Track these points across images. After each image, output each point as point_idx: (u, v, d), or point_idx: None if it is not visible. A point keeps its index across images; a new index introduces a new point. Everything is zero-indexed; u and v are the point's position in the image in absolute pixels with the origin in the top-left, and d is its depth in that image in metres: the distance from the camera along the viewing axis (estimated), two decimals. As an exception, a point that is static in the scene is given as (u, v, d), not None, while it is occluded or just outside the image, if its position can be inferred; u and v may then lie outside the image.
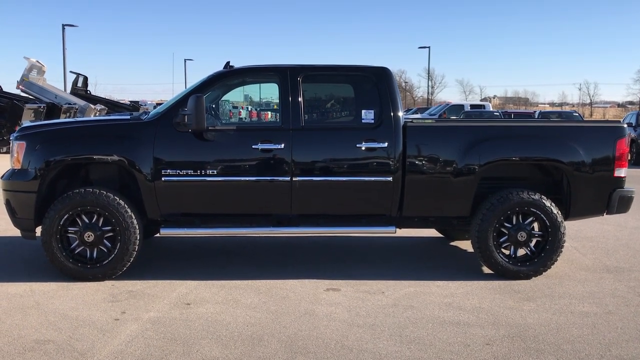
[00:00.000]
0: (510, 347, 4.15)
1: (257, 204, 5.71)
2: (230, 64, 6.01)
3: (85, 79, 26.97)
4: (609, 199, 5.78)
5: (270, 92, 6.77)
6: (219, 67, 6.02)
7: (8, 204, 5.67)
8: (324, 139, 5.71)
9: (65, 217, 5.46)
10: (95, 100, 25.79)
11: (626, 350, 4.12)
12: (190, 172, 5.54)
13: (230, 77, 6.01)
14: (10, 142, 5.87)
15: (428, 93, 63.11)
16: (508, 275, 5.69)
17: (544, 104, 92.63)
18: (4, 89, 20.86)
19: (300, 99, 5.68)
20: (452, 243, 7.34)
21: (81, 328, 4.40)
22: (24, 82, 22.45)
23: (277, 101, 5.82)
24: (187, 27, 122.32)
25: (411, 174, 5.66)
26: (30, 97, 21.82)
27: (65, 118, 19.23)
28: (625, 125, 5.98)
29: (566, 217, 5.85)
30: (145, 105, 39.15)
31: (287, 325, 4.50)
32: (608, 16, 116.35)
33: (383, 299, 5.12)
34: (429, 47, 47.47)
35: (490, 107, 34.78)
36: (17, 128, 6.18)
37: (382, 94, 5.74)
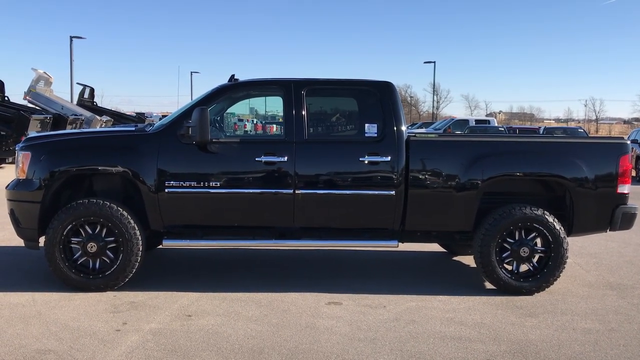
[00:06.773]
0: (512, 363, 4.13)
1: (260, 216, 5.72)
2: (235, 77, 6.06)
3: (92, 90, 27.18)
4: (612, 215, 5.77)
5: (275, 105, 6.80)
6: (225, 80, 6.07)
7: (12, 213, 5.71)
8: (327, 152, 5.74)
9: (69, 227, 5.48)
10: (101, 111, 25.96)
11: (628, 367, 4.09)
12: (193, 183, 5.57)
13: (234, 90, 6.05)
14: (16, 152, 5.91)
15: (433, 108, 63.45)
16: (510, 290, 5.67)
17: (550, 119, 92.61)
18: (11, 100, 21.00)
19: (304, 112, 5.71)
20: (454, 258, 7.32)
21: (82, 338, 4.41)
22: (31, 93, 22.58)
23: (282, 114, 5.86)
24: (194, 41, 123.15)
25: (414, 188, 5.66)
26: (36, 107, 21.95)
27: (71, 129, 19.34)
28: (629, 142, 5.98)
29: (569, 233, 5.83)
30: (151, 117, 39.32)
31: (287, 338, 4.50)
32: (614, 33, 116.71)
33: (384, 313, 5.10)
34: (434, 62, 47.75)
35: (495, 123, 34.79)
36: (23, 138, 6.22)
37: (386, 108, 5.77)
